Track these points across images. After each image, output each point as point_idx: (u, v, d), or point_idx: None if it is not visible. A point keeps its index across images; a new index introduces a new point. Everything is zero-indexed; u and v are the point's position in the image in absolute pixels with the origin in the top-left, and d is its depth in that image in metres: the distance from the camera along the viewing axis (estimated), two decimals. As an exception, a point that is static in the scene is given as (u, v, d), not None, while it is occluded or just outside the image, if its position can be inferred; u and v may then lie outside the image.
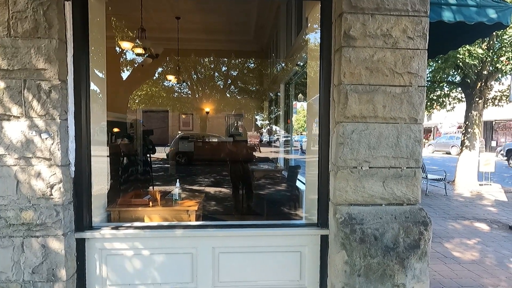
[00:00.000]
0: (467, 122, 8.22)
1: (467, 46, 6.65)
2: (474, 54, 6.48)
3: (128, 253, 2.25)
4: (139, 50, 4.59)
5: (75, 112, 2.15)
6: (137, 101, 14.64)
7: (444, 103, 9.66)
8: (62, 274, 2.05)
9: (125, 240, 2.23)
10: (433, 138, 29.50)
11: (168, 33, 5.62)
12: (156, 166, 11.60)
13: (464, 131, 8.35)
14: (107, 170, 2.63)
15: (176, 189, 2.77)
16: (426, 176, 7.03)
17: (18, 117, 1.99)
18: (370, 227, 2.06)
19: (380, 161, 2.12)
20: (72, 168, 2.15)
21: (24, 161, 2.01)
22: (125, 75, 6.80)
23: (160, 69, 10.18)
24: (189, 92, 13.97)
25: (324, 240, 2.29)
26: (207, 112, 11.31)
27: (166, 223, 2.43)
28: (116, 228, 2.26)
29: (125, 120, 6.01)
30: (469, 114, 8.13)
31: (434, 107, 9.87)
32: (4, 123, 1.99)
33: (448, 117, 24.75)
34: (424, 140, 30.20)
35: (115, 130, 5.29)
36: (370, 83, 2.08)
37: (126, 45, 4.59)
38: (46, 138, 2.00)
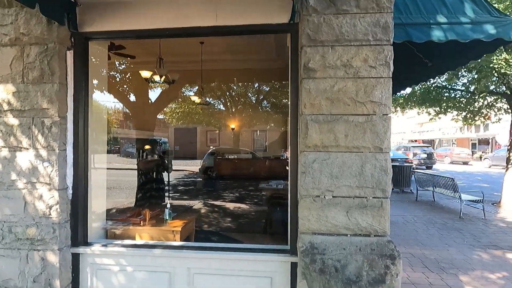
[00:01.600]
0: (512, 136, 7.35)
1: (504, 54, 6.07)
2: (511, 63, 5.87)
3: (114, 268, 2.50)
4: (157, 78, 5.05)
5: (74, 143, 2.51)
6: (175, 118, 15.76)
7: (488, 115, 8.77)
8: (57, 284, 2.37)
9: (112, 256, 2.49)
10: (491, 151, 26.46)
11: (194, 56, 6.03)
12: (188, 180, 12.27)
13: (510, 146, 7.46)
14: (105, 191, 2.96)
15: (166, 210, 3.00)
16: (460, 197, 6.39)
17: (27, 148, 2.39)
18: (331, 257, 2.03)
19: (343, 191, 2.10)
20: (70, 191, 2.49)
21: (30, 185, 2.39)
22: (151, 96, 7.44)
23: (193, 89, 10.90)
24: (223, 108, 14.62)
25: (294, 267, 2.29)
26: (233, 129, 11.68)
27: (147, 242, 2.65)
28: (106, 245, 2.54)
29: (150, 138, 6.57)
30: (515, 127, 7.27)
31: (476, 119, 9.01)
32: (17, 154, 2.41)
33: (507, 127, 22.10)
34: (480, 153, 27.05)
35: (146, 147, 5.82)
36: (332, 113, 2.10)
37: (145, 73, 5.09)
38: (47, 166, 2.37)
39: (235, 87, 13.35)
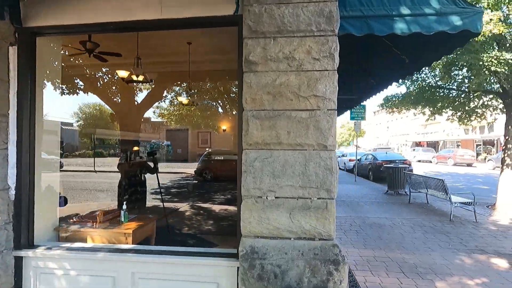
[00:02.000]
0: (507, 137, 7.11)
1: (495, 52, 5.86)
2: (502, 61, 5.65)
3: (58, 272, 2.39)
4: (134, 77, 4.98)
5: (17, 141, 2.42)
6: (173, 120, 15.73)
7: (484, 115, 8.53)
8: (-4, 289, 2.27)
9: (55, 260, 2.38)
10: (496, 152, 25.90)
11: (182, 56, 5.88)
12: (183, 182, 12.20)
13: (504, 147, 7.21)
14: (58, 192, 2.86)
15: (122, 212, 2.89)
16: (450, 199, 6.17)
17: (-33, 147, 2.31)
18: (271, 263, 1.90)
19: (286, 191, 1.97)
20: (12, 192, 2.40)
21: (-31, 185, 2.31)
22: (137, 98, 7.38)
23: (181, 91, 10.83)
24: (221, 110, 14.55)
25: (241, 272, 2.16)
26: (224, 130, 11.59)
27: (95, 245, 2.54)
28: (50, 248, 2.44)
29: (134, 139, 6.50)
30: (509, 127, 7.03)
31: (472, 119, 8.76)
32: (-43, 153, 2.32)
33: None
34: (485, 154, 26.53)
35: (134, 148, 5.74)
36: (274, 108, 1.98)
37: (122, 73, 5.02)
38: (-15, 166, 2.28)
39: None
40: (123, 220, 2.87)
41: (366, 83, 5.25)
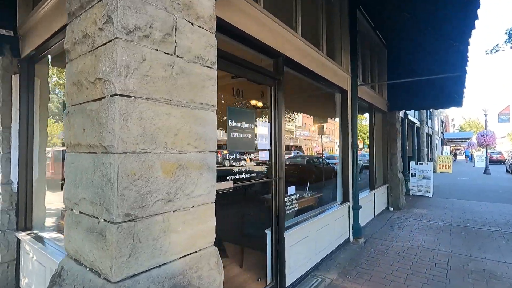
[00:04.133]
0: None
1: None
2: None
3: (45, 251, 2.87)
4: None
5: (19, 146, 3.14)
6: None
7: None
8: (-1, 259, 3.02)
9: (42, 241, 2.88)
10: None
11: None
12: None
13: None
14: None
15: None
16: None
17: (-13, 151, 3.22)
18: (61, 293, 1.53)
19: (83, 205, 1.54)
20: (15, 186, 3.13)
21: (-10, 179, 3.19)
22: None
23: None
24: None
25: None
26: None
27: (49, 237, 2.90)
28: (42, 231, 3.01)
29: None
30: None
31: None
32: (-7, 155, 3.28)
33: None
34: None
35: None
36: (77, 102, 1.61)
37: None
38: (-6, 166, 3.10)
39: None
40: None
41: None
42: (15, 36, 3.13)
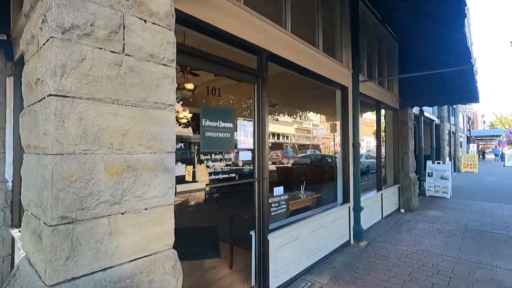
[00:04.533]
0: None
1: None
2: None
3: (20, 251, 3.00)
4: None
5: (14, 147, 3.26)
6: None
7: None
8: (-5, 254, 3.15)
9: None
10: None
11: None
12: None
13: None
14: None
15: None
16: None
17: (-10, 151, 3.36)
18: (11, 293, 1.54)
19: (32, 207, 1.55)
20: (9, 184, 3.26)
21: (-11, 178, 3.34)
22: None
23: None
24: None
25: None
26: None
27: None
28: None
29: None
30: None
31: None
32: (-8, 155, 3.43)
33: None
34: None
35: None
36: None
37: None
38: (-11, 165, 3.23)
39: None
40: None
41: None
42: (8, 40, 3.24)
